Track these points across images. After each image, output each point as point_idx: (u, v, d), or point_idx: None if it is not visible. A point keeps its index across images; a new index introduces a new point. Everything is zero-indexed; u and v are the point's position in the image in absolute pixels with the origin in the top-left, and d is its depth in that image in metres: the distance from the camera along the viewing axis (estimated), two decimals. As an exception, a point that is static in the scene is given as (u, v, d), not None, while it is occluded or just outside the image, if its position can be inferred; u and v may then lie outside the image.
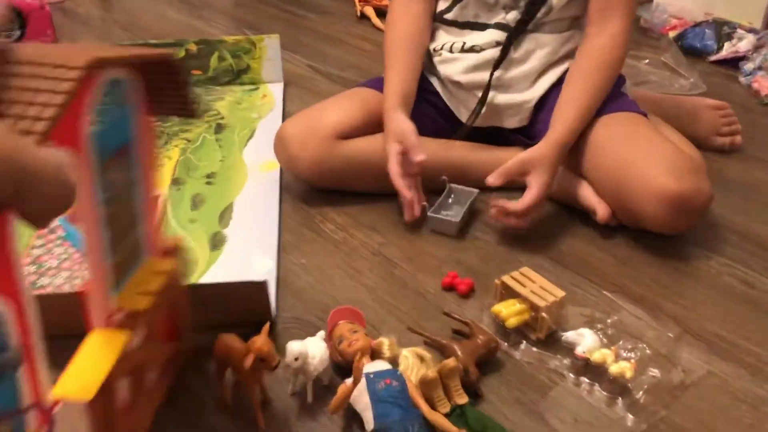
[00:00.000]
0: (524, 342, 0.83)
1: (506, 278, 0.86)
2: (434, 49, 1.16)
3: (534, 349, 0.82)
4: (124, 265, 0.64)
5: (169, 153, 1.24)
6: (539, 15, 1.09)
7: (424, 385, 0.70)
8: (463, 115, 1.16)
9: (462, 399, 0.71)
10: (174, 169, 1.20)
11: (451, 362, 0.72)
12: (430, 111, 1.17)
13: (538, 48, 1.11)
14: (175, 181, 1.16)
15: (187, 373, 0.77)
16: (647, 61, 1.63)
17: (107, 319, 0.60)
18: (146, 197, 0.67)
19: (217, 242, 1.02)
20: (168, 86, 0.63)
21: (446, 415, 0.70)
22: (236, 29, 1.88)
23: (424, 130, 1.06)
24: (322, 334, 0.76)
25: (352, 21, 1.96)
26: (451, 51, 1.14)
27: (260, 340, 0.68)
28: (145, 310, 0.63)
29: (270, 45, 1.51)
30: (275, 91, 1.49)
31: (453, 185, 1.09)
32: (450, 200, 1.08)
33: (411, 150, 1.01)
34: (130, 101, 0.61)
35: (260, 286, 0.79)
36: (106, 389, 0.56)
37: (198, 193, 1.13)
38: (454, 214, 1.05)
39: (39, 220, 0.42)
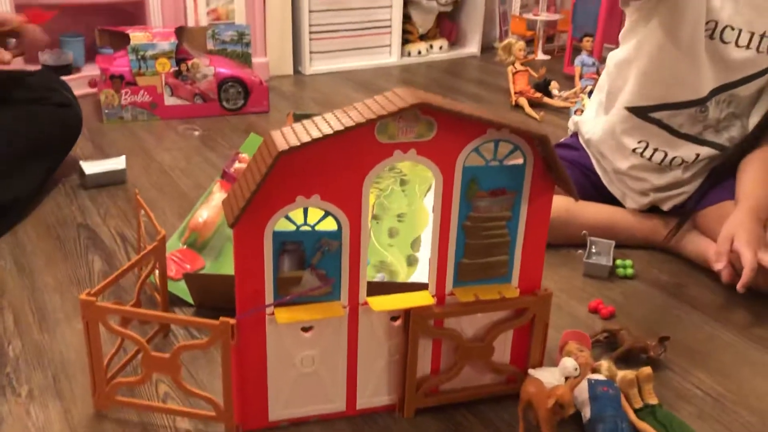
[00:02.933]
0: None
1: None
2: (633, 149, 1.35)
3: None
4: (474, 271, 0.88)
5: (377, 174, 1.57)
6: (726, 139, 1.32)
7: (624, 383, 0.91)
8: (628, 203, 1.40)
9: (653, 399, 0.92)
10: (372, 209, 1.52)
11: (647, 369, 0.92)
12: (584, 180, 1.43)
13: (711, 162, 1.34)
14: (375, 217, 1.48)
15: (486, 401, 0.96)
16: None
17: (438, 292, 0.88)
18: (527, 239, 0.87)
19: (411, 261, 1.32)
20: (551, 165, 0.84)
21: (638, 410, 0.90)
22: (410, 109, 2.24)
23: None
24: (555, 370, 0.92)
25: (507, 110, 2.28)
26: (650, 159, 1.34)
27: (563, 389, 0.83)
28: (465, 303, 0.87)
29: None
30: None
31: (592, 238, 1.33)
32: (594, 250, 1.33)
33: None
34: (520, 160, 0.84)
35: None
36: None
37: (393, 227, 1.44)
38: (604, 260, 1.29)
39: None
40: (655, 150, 1.34)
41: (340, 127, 0.74)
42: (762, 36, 1.24)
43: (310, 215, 0.82)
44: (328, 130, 0.74)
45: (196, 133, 1.98)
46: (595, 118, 1.43)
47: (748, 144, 1.30)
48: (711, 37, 1.24)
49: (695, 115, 1.31)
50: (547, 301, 0.91)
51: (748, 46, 1.24)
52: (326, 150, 0.77)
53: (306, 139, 0.74)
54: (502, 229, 0.87)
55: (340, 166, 0.79)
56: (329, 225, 0.83)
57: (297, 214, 0.81)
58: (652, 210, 1.40)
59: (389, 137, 0.79)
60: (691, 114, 1.31)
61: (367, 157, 0.79)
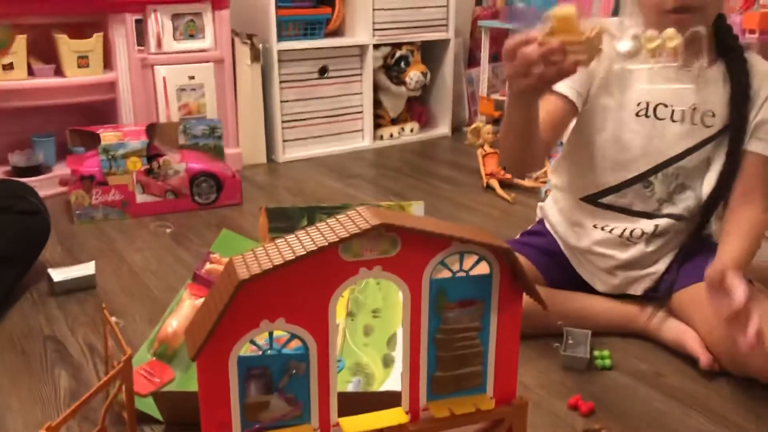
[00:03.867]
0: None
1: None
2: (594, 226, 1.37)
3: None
4: (448, 384, 0.86)
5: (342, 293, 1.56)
6: (684, 209, 1.34)
7: None
8: (598, 285, 1.40)
9: None
10: (347, 305, 1.51)
11: None
12: (555, 267, 1.43)
13: (675, 233, 1.35)
14: (350, 314, 1.46)
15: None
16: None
17: (412, 407, 0.85)
18: (499, 348, 0.86)
19: (387, 362, 1.29)
20: (517, 274, 0.83)
21: None
22: (383, 196, 2.26)
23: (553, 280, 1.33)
24: None
25: (479, 191, 2.30)
26: (611, 233, 1.35)
27: None
28: (441, 419, 0.84)
29: (416, 209, 1.85)
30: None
31: (568, 328, 1.32)
32: (570, 341, 1.32)
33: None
34: (486, 271, 0.83)
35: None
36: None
37: (368, 324, 1.42)
38: (581, 351, 1.27)
39: None
40: (615, 227, 1.36)
41: (303, 252, 0.74)
42: (693, 109, 1.28)
43: (276, 337, 0.80)
44: (291, 256, 0.74)
45: (168, 230, 1.97)
46: (554, 206, 1.46)
47: (703, 216, 1.33)
48: (646, 115, 1.29)
49: (640, 191, 1.33)
50: (523, 410, 0.89)
51: (682, 120, 1.28)
52: (290, 274, 0.76)
53: (268, 266, 0.73)
54: (473, 339, 0.86)
55: (304, 287, 0.77)
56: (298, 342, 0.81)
57: (262, 337, 0.80)
58: (627, 296, 1.40)
59: (353, 255, 0.78)
60: (637, 191, 1.33)
61: (332, 277, 0.78)
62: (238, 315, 0.75)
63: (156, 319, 1.40)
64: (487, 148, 2.34)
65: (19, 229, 1.54)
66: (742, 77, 1.27)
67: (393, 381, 1.22)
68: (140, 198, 2.07)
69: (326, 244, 0.74)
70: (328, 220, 0.80)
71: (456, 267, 0.84)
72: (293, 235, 0.78)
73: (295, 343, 0.80)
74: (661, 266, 1.36)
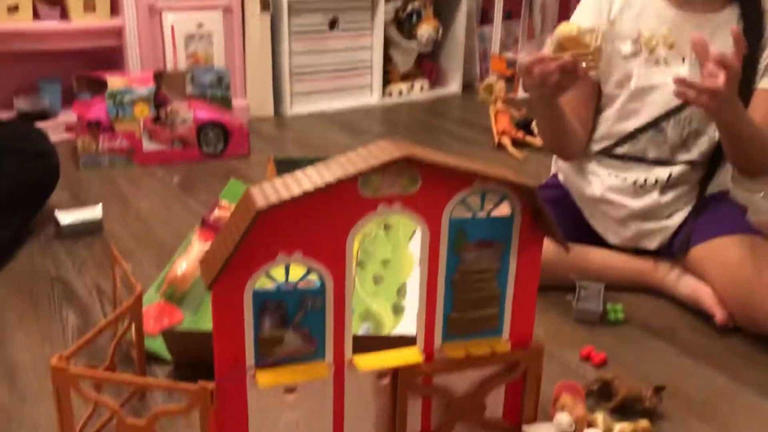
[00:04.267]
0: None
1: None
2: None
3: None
4: (463, 326, 0.85)
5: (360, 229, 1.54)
6: (698, 154, 1.32)
7: None
8: (611, 237, 1.39)
9: None
10: (356, 255, 1.49)
11: (644, 423, 0.90)
12: (569, 220, 1.41)
13: (691, 182, 1.33)
14: (359, 263, 1.45)
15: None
16: (762, 194, 1.83)
17: (427, 348, 0.84)
18: (517, 291, 0.85)
19: (397, 310, 1.28)
20: (540, 216, 0.82)
21: None
22: (392, 151, 2.23)
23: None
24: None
25: (490, 149, 2.27)
26: (624, 180, 1.33)
27: None
28: (455, 360, 0.84)
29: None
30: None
31: (581, 282, 1.30)
32: (583, 294, 1.30)
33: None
34: (507, 212, 0.82)
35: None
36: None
37: (377, 274, 1.41)
38: (594, 305, 1.26)
39: None
40: (628, 175, 1.34)
41: (321, 184, 0.72)
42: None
43: (292, 272, 0.79)
44: (309, 187, 0.72)
45: (175, 179, 1.95)
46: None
47: (715, 159, 1.31)
48: (656, 61, 1.27)
49: (654, 138, 1.31)
50: (539, 354, 0.88)
51: (692, 64, 1.25)
52: (308, 206, 0.74)
53: (286, 196, 0.71)
54: (491, 281, 0.85)
55: (322, 222, 0.76)
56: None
57: (278, 272, 0.78)
58: (641, 252, 1.38)
59: (373, 191, 0.76)
60: (650, 138, 1.32)
61: (351, 213, 0.77)
62: (255, 247, 0.74)
63: (163, 264, 1.39)
64: (499, 105, 2.30)
65: (29, 172, 1.52)
66: (755, 18, 1.25)
67: (403, 329, 1.21)
68: (147, 146, 2.04)
69: (345, 176, 0.72)
70: (348, 153, 0.77)
71: (477, 207, 0.82)
72: (312, 167, 0.76)
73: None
74: (675, 221, 1.34)
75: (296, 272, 0.79)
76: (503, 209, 0.83)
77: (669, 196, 1.33)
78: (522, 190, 0.80)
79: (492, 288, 0.85)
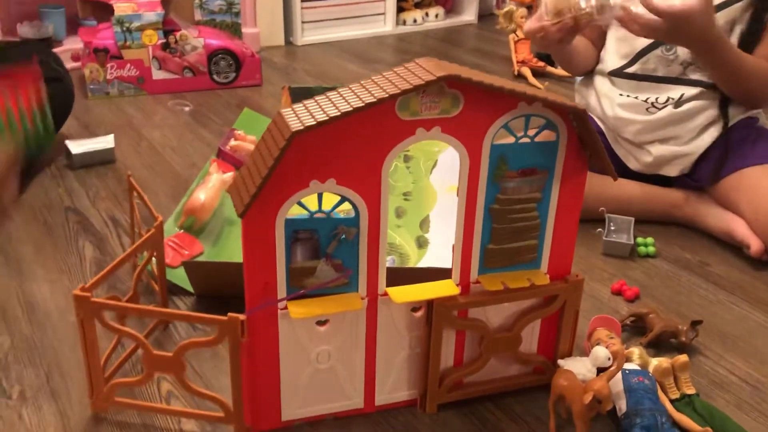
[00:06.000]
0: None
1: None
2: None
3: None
4: (501, 257, 0.81)
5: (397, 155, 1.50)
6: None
7: (658, 372, 0.86)
8: (631, 162, 1.35)
9: (690, 390, 0.86)
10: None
11: (683, 357, 0.87)
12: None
13: (708, 104, 1.28)
14: (380, 196, 1.41)
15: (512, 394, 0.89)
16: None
17: (462, 281, 0.81)
18: (558, 222, 0.81)
19: (421, 243, 1.25)
20: (586, 141, 0.78)
21: (675, 401, 0.84)
22: (409, 81, 2.16)
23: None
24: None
25: (509, 79, 2.19)
26: (636, 98, 1.29)
27: (600, 383, 0.77)
28: (492, 292, 0.81)
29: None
30: (450, 132, 1.74)
31: (610, 215, 1.27)
32: (612, 227, 1.26)
33: None
34: (552, 138, 0.77)
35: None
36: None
37: (399, 206, 1.37)
38: (624, 238, 1.23)
39: None
40: (639, 94, 1.31)
41: (360, 104, 0.67)
42: None
43: (325, 200, 0.75)
44: (347, 108, 0.67)
45: (187, 108, 1.89)
46: (586, 79, 1.43)
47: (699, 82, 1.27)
48: None
49: (663, 55, 1.27)
50: (578, 287, 0.85)
51: None
52: (343, 129, 0.69)
53: (322, 117, 0.66)
54: (531, 211, 0.81)
55: (357, 146, 0.71)
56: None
57: (311, 200, 0.74)
58: (670, 183, 1.34)
59: (411, 114, 0.72)
60: (659, 55, 1.28)
61: (388, 137, 0.72)
62: (287, 173, 0.70)
63: (179, 195, 1.35)
64: (519, 33, 2.21)
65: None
66: None
67: (427, 262, 1.18)
68: (157, 74, 1.98)
69: (385, 95, 0.67)
70: (385, 73, 0.72)
71: (520, 132, 0.77)
72: (347, 88, 0.71)
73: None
74: (695, 147, 1.29)
75: (329, 201, 0.75)
76: (547, 135, 0.78)
77: (685, 117, 1.28)
78: (570, 113, 0.75)
79: (532, 218, 0.81)
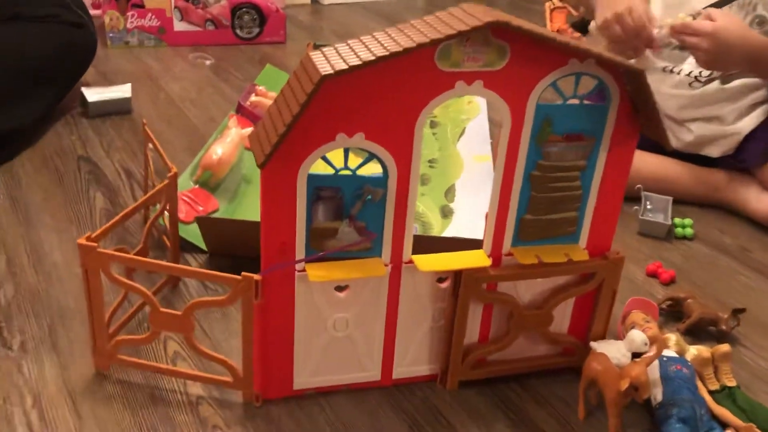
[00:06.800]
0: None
1: None
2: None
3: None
4: (537, 229, 0.75)
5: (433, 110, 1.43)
6: None
7: (698, 361, 0.80)
8: (672, 141, 1.26)
9: (731, 382, 0.80)
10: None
11: (724, 347, 0.81)
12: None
13: (758, 83, 1.20)
14: (405, 161, 1.35)
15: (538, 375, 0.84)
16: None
17: (494, 252, 0.75)
18: (602, 194, 0.74)
19: (446, 213, 1.19)
20: (642, 106, 0.71)
21: (714, 393, 0.79)
22: (438, 46, 2.08)
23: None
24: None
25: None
26: (671, 72, 1.24)
27: (639, 369, 0.72)
28: (526, 266, 0.74)
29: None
30: (479, 99, 1.66)
31: (647, 193, 1.20)
32: (649, 206, 1.20)
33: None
34: (601, 100, 0.71)
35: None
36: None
37: (424, 173, 1.31)
38: (661, 218, 1.16)
39: None
40: (683, 67, 1.23)
41: (398, 48, 0.61)
42: None
43: (351, 157, 0.69)
44: (382, 52, 0.61)
45: (208, 62, 1.83)
46: None
47: None
48: None
49: None
50: (618, 265, 0.79)
51: None
52: (375, 78, 0.63)
53: (355, 61, 0.60)
54: (574, 180, 0.74)
55: (391, 98, 0.65)
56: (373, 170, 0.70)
57: (336, 156, 0.68)
58: (711, 164, 1.26)
59: (452, 65, 0.65)
60: None
61: (424, 89, 0.66)
62: (313, 123, 0.64)
63: (196, 149, 1.30)
64: (555, 2, 2.12)
65: (65, 42, 1.40)
66: None
67: (451, 232, 1.13)
68: (178, 26, 1.91)
69: (426, 40, 0.61)
70: (426, 17, 0.66)
71: (569, 92, 0.71)
72: (382, 31, 0.65)
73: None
74: (741, 127, 1.21)
75: (356, 157, 0.69)
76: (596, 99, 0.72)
77: (732, 95, 1.20)
78: (625, 73, 0.69)
79: (574, 188, 0.75)
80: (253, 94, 1.39)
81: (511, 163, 0.72)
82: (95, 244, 0.72)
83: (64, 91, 1.44)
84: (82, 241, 0.72)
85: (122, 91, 1.49)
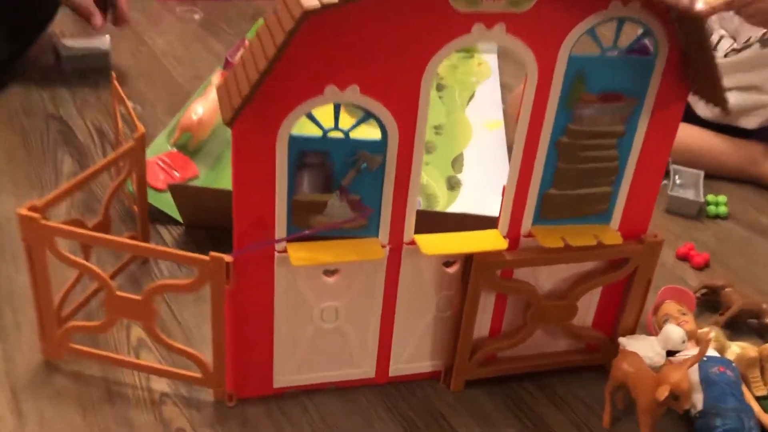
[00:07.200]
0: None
1: None
2: None
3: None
4: (563, 206, 0.64)
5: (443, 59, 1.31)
6: None
7: (743, 362, 0.69)
8: (701, 109, 1.15)
9: None
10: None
11: None
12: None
13: None
14: (407, 126, 1.23)
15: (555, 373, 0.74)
16: None
17: (512, 232, 0.64)
18: (641, 166, 0.63)
19: (452, 184, 1.07)
20: (697, 61, 0.59)
21: (762, 399, 0.68)
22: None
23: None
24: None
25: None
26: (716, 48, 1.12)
27: (680, 374, 0.61)
28: (549, 250, 0.63)
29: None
30: (490, 60, 1.53)
31: (677, 167, 1.08)
32: (678, 181, 1.08)
33: None
34: (646, 53, 0.59)
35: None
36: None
37: (428, 140, 1.19)
38: (692, 194, 1.04)
39: None
40: (722, 37, 1.12)
41: (402, -21, 0.48)
42: None
43: (343, 116, 0.57)
44: (383, -17, 0.48)
45: (197, 16, 1.69)
46: None
47: None
48: None
49: None
50: (655, 251, 0.67)
51: None
52: (374, 16, 0.51)
53: (347, -7, 0.48)
54: (610, 149, 0.63)
55: (393, 42, 0.53)
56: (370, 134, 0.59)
57: (325, 114, 0.56)
58: (748, 136, 1.14)
59: (469, 3, 0.53)
60: None
61: (435, 32, 0.54)
62: (295, 71, 0.52)
63: (179, 109, 1.18)
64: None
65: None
66: None
67: (459, 206, 1.01)
68: (165, -24, 1.77)
69: (438, -30, 0.49)
70: (438, -57, 0.53)
71: (608, 42, 0.59)
72: (384, -40, 0.52)
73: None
74: None
75: (349, 117, 0.57)
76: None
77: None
78: (679, 19, 0.56)
79: (608, 158, 0.63)
80: (242, 49, 1.27)
81: (535, 127, 0.60)
82: (37, 215, 0.61)
83: (25, 47, 1.31)
84: (23, 210, 0.61)
85: (101, 43, 1.36)
